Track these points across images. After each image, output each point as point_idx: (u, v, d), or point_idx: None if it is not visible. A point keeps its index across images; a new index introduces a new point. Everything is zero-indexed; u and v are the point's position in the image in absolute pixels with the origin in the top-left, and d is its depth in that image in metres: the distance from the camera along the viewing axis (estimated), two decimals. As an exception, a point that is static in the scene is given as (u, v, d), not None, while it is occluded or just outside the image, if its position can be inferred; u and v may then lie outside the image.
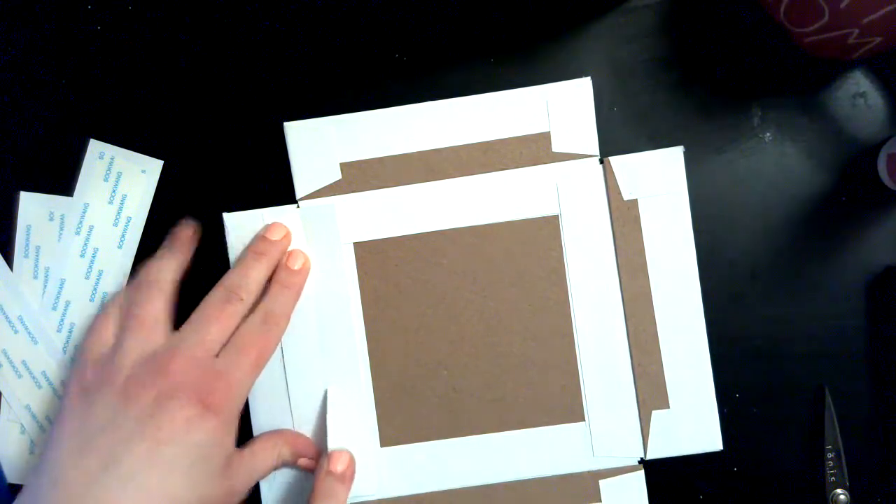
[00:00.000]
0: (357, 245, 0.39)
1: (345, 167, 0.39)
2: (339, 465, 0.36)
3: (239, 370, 0.34)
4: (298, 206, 0.39)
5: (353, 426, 0.39)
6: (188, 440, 0.32)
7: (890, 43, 0.36)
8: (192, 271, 0.39)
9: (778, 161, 0.40)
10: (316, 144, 0.39)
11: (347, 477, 0.36)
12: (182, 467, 0.32)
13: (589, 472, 0.39)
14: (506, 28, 0.40)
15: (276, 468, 0.37)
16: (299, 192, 0.39)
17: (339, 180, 0.39)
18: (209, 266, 0.39)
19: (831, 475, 0.39)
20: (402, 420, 0.39)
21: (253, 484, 0.37)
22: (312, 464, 0.38)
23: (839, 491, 0.39)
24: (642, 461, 0.39)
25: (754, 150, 0.40)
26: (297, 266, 0.37)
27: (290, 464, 0.38)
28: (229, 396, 0.34)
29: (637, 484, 0.39)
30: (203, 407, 0.33)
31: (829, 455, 0.39)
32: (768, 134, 0.40)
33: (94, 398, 0.33)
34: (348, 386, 0.39)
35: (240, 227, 0.39)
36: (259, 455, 0.36)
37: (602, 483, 0.39)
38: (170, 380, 0.33)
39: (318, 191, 0.39)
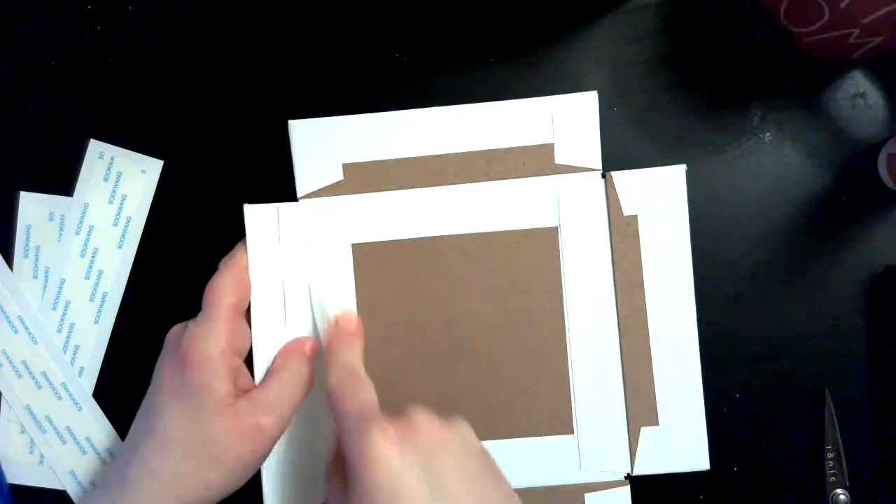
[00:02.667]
0: (355, 246, 0.39)
1: (347, 168, 0.39)
2: (351, 322, 0.38)
3: None
4: (300, 205, 0.39)
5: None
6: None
7: (890, 43, 0.36)
8: (197, 265, 0.39)
9: (778, 161, 0.40)
10: (319, 144, 0.39)
11: (360, 333, 0.38)
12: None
13: (575, 484, 0.39)
14: (506, 29, 0.40)
15: (300, 387, 0.37)
16: (300, 190, 0.39)
17: (340, 181, 0.39)
18: (210, 261, 0.39)
19: (831, 475, 0.39)
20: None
21: (283, 415, 0.35)
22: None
23: (839, 491, 0.39)
24: (629, 477, 0.39)
25: (754, 150, 0.40)
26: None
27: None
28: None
29: (623, 499, 0.38)
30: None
31: (829, 455, 0.39)
32: (768, 134, 0.40)
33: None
34: None
35: (258, 218, 0.39)
36: (273, 384, 0.36)
37: (587, 497, 0.39)
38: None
39: (320, 190, 0.39)
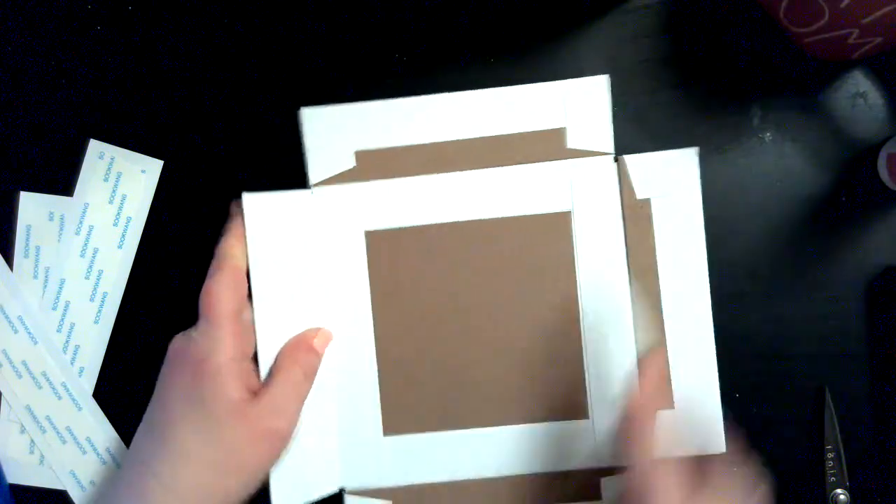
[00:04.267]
0: (368, 234, 0.39)
1: (360, 155, 0.39)
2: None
3: None
4: (312, 193, 0.39)
5: (357, 413, 0.39)
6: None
7: (890, 43, 0.36)
8: (197, 265, 0.39)
9: (778, 161, 0.40)
10: (332, 131, 0.39)
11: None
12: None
13: (591, 469, 0.39)
14: (506, 28, 0.40)
15: (305, 383, 0.37)
16: (313, 178, 0.39)
17: (353, 168, 0.39)
18: (212, 249, 0.39)
19: (831, 475, 0.39)
20: (405, 410, 0.39)
21: (294, 415, 0.36)
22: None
23: (839, 491, 0.39)
24: None
25: (754, 150, 0.40)
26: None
27: (316, 362, 0.38)
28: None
29: None
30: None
31: (829, 455, 0.39)
32: (768, 134, 0.40)
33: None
34: (354, 373, 0.39)
35: (258, 208, 0.39)
36: (281, 386, 0.36)
37: (603, 481, 0.39)
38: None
39: (332, 178, 0.39)
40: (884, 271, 0.40)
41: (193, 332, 0.36)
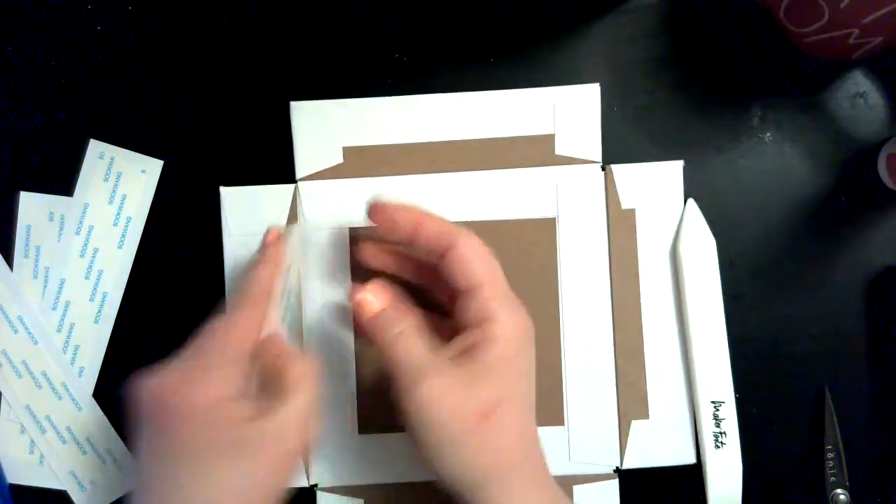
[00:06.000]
0: (353, 230, 0.39)
1: (347, 151, 0.39)
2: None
3: None
4: (297, 187, 0.39)
5: (332, 411, 0.39)
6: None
7: (890, 43, 0.36)
8: (197, 265, 0.39)
9: (778, 161, 0.40)
10: (321, 126, 0.39)
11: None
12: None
13: (563, 476, 0.39)
14: (505, 28, 0.40)
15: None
16: (299, 172, 0.39)
17: (340, 164, 0.39)
18: (213, 249, 0.39)
19: (831, 475, 0.39)
20: (381, 409, 0.39)
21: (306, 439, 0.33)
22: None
23: (839, 491, 0.39)
24: (617, 470, 0.39)
25: (754, 150, 0.40)
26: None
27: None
28: None
29: (611, 492, 0.38)
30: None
31: (829, 455, 0.39)
32: (768, 134, 0.40)
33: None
34: (331, 370, 0.39)
35: (236, 201, 0.39)
36: (293, 407, 0.32)
37: (576, 489, 0.39)
38: None
39: (318, 173, 0.39)
40: (884, 271, 0.40)
41: (178, 368, 0.32)
